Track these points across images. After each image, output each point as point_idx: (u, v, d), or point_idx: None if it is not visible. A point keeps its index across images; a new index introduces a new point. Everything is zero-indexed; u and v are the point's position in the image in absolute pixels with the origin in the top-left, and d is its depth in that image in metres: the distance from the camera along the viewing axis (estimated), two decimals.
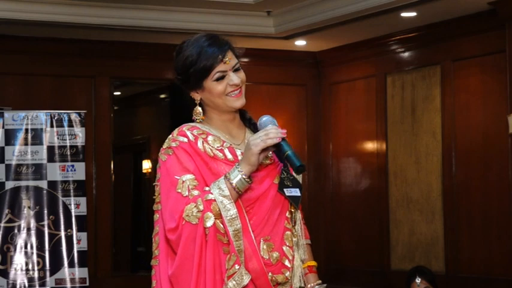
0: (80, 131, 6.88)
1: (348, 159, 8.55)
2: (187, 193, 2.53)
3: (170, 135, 2.66)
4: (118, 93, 10.26)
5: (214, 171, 2.59)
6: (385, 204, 8.08)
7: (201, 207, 2.50)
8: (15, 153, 6.73)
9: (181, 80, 2.69)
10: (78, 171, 6.86)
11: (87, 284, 6.82)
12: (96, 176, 7.94)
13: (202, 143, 2.61)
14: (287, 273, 2.64)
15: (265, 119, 2.64)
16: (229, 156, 2.62)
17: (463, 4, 6.79)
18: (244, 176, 2.53)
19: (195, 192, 2.54)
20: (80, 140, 6.88)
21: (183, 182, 2.55)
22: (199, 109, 2.69)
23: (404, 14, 7.12)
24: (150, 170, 11.07)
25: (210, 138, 2.63)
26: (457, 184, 7.37)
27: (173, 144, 2.62)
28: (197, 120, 2.69)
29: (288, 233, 2.67)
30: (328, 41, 8.24)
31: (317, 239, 8.09)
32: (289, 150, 2.56)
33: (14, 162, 6.72)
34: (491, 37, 7.01)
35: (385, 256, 8.05)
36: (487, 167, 7.13)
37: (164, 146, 2.65)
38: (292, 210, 2.70)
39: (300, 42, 8.24)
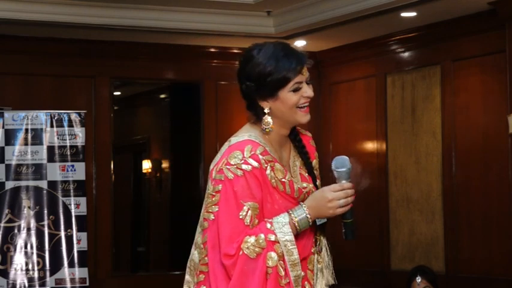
0: (80, 131, 6.88)
1: None
2: (249, 222, 2.56)
3: (239, 152, 2.62)
4: (118, 93, 10.25)
5: (271, 199, 2.63)
6: (385, 204, 8.07)
7: (264, 245, 2.53)
8: (15, 153, 6.73)
9: (253, 88, 2.65)
10: (78, 171, 6.86)
11: (87, 284, 6.82)
12: (96, 176, 7.94)
13: (270, 172, 2.63)
14: None
15: (343, 170, 2.68)
16: (288, 190, 2.66)
17: (463, 4, 6.79)
18: (309, 218, 2.61)
19: (256, 222, 2.57)
20: (80, 140, 6.89)
21: (248, 209, 2.56)
22: (268, 118, 2.66)
23: (404, 14, 7.12)
24: (150, 170, 11.07)
25: (277, 166, 2.65)
26: (457, 184, 7.37)
27: (244, 167, 2.59)
28: (266, 130, 2.66)
29: (312, 256, 2.72)
30: (328, 41, 8.24)
31: None
32: (350, 219, 2.65)
33: (14, 162, 6.73)
34: (491, 37, 7.00)
35: (385, 256, 8.05)
36: (487, 167, 7.13)
37: (232, 162, 2.60)
38: (317, 237, 2.74)
39: (300, 42, 8.23)
